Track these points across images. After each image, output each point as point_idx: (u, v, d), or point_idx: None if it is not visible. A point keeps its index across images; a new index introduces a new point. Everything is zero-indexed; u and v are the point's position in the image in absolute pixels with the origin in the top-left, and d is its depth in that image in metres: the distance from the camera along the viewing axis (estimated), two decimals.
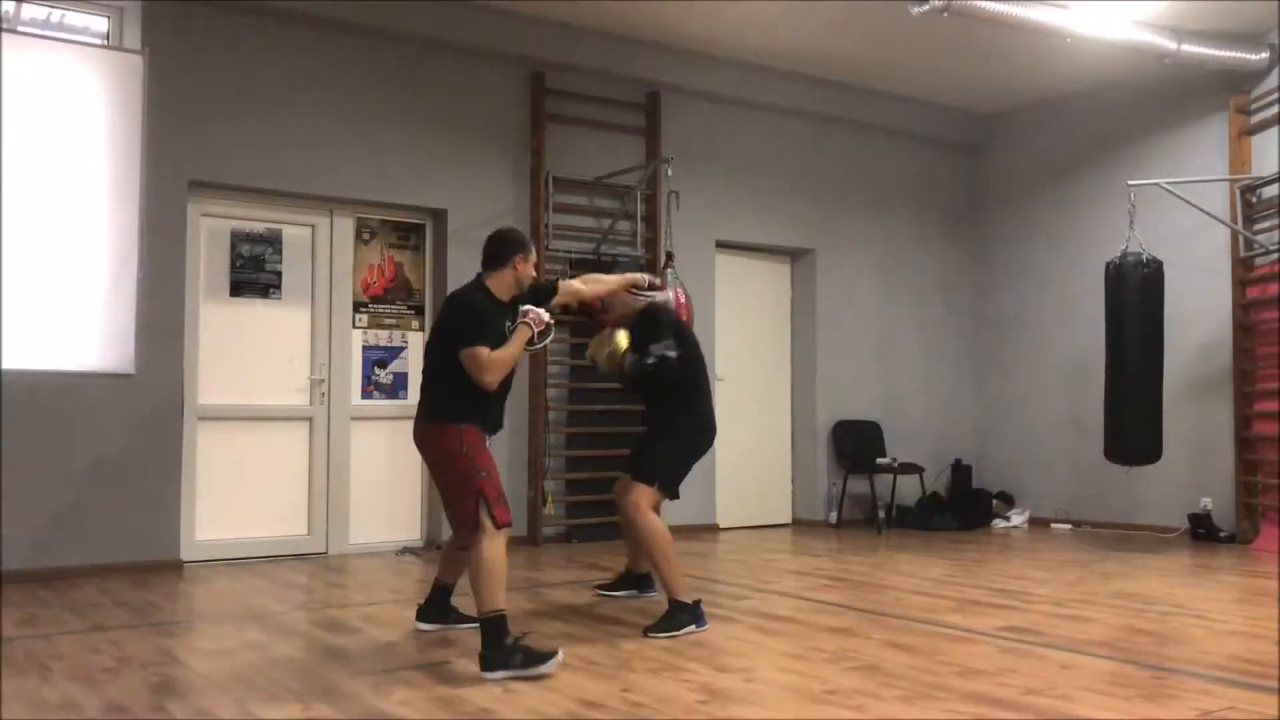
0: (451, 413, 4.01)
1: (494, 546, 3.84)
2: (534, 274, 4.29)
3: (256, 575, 6.04)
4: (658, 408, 4.90)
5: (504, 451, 6.73)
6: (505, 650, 3.68)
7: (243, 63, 6.57)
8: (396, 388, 7.24)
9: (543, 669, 3.66)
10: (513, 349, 4.05)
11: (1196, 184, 7.51)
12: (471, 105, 7.36)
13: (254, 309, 6.80)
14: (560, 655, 3.74)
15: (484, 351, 3.95)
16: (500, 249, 4.19)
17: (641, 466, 4.74)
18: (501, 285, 4.16)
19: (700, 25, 7.54)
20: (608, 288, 4.80)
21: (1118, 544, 7.58)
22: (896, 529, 8.49)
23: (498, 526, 3.87)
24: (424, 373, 4.21)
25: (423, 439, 4.14)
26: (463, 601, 4.34)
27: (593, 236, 7.72)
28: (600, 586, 5.39)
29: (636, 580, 5.27)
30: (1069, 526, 8.65)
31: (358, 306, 7.14)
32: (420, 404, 4.18)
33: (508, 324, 4.09)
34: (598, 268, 7.35)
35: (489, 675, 3.65)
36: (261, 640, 4.32)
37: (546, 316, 4.14)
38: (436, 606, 4.54)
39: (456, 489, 4.00)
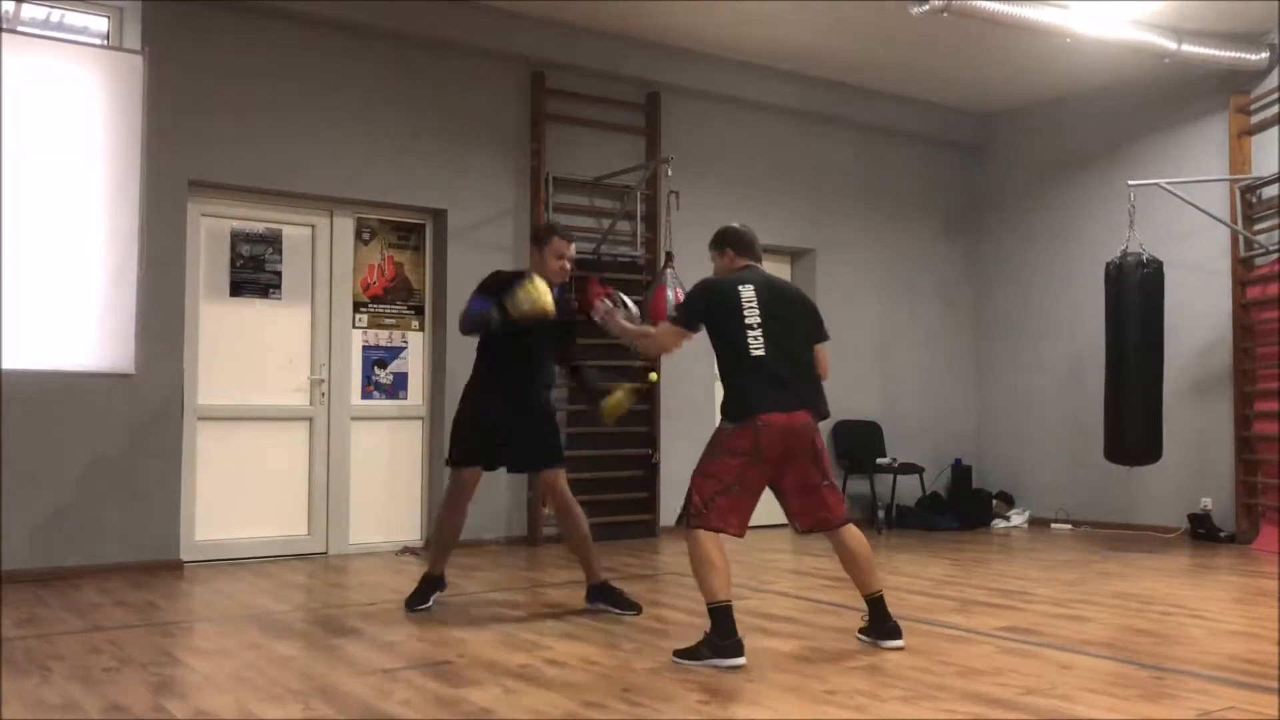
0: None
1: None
2: None
3: (256, 575, 6.04)
4: (548, 391, 5.08)
5: None
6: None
7: (243, 63, 6.57)
8: (396, 388, 7.23)
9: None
10: None
11: (1196, 184, 7.51)
12: (471, 105, 7.36)
13: (254, 309, 6.80)
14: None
15: None
16: (753, 241, 4.31)
17: (560, 453, 5.02)
18: None
19: (700, 25, 7.53)
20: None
21: (1118, 544, 7.58)
22: (896, 529, 8.49)
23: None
24: (799, 362, 4.10)
25: (806, 430, 4.04)
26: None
27: (593, 236, 7.71)
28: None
29: (437, 583, 5.00)
30: (1069, 526, 8.65)
31: (358, 306, 7.14)
32: (799, 396, 4.04)
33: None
34: (597, 268, 7.37)
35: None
36: (261, 640, 4.32)
37: None
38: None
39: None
